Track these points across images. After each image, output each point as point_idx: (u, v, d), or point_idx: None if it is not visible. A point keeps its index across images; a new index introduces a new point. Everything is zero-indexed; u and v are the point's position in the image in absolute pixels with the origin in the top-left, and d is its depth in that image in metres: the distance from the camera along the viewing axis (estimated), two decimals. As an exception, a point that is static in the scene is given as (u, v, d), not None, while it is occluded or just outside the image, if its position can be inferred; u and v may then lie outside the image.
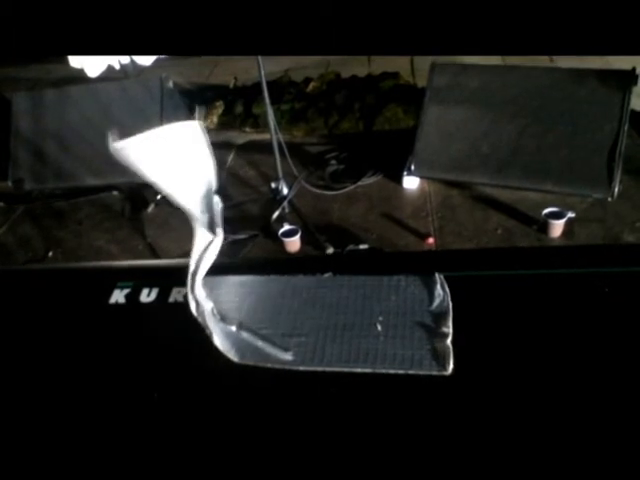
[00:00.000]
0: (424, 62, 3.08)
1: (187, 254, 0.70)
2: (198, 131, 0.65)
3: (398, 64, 3.95)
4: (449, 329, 0.65)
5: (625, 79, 2.54)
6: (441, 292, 0.69)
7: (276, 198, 2.84)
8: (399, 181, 2.95)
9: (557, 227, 2.47)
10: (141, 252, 2.82)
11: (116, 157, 0.61)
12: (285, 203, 2.81)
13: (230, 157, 3.44)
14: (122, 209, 3.13)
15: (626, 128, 2.50)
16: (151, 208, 3.04)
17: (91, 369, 0.66)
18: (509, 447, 0.53)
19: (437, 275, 0.72)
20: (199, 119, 3.28)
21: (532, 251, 0.81)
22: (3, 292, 0.80)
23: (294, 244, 2.62)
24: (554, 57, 3.94)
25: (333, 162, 3.21)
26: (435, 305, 0.68)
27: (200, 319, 0.68)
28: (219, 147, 3.54)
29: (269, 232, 2.73)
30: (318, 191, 2.99)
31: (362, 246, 2.57)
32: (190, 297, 0.69)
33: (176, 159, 0.64)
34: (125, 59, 2.97)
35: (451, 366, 0.61)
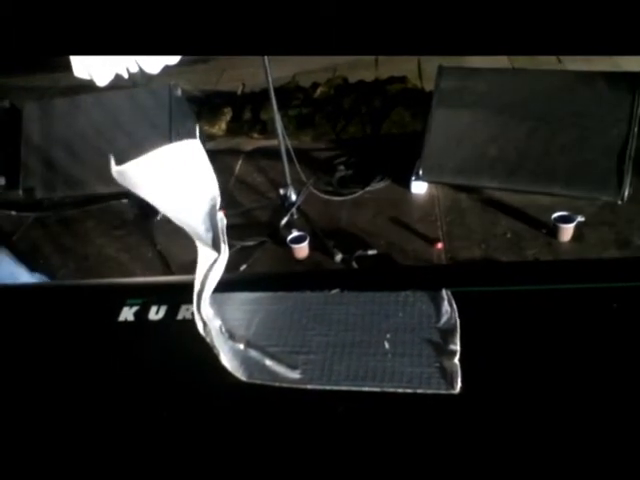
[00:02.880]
0: (432, 66, 3.08)
1: (196, 262, 0.70)
2: (198, 149, 0.65)
3: (405, 68, 3.95)
4: (457, 347, 0.65)
5: (634, 81, 2.52)
6: (448, 309, 0.69)
7: (284, 204, 2.85)
8: (407, 186, 2.95)
9: (567, 231, 2.46)
10: (151, 260, 2.83)
11: (117, 181, 0.61)
12: (293, 209, 2.82)
13: (238, 164, 3.45)
14: (134, 217, 3.16)
15: (636, 130, 2.48)
16: (160, 215, 3.06)
17: (101, 388, 0.67)
18: (518, 468, 0.53)
19: (444, 291, 0.71)
20: (199, 137, 3.29)
21: (539, 265, 0.80)
22: (10, 309, 0.81)
23: (302, 250, 2.62)
24: (562, 57, 3.93)
25: (341, 168, 3.21)
26: (443, 322, 0.68)
27: (208, 339, 0.68)
28: (227, 154, 3.56)
29: (278, 238, 2.74)
30: (326, 197, 3.00)
31: (370, 252, 2.58)
32: (197, 317, 0.69)
33: (177, 179, 0.64)
34: (134, 67, 2.99)
35: (459, 385, 0.61)
